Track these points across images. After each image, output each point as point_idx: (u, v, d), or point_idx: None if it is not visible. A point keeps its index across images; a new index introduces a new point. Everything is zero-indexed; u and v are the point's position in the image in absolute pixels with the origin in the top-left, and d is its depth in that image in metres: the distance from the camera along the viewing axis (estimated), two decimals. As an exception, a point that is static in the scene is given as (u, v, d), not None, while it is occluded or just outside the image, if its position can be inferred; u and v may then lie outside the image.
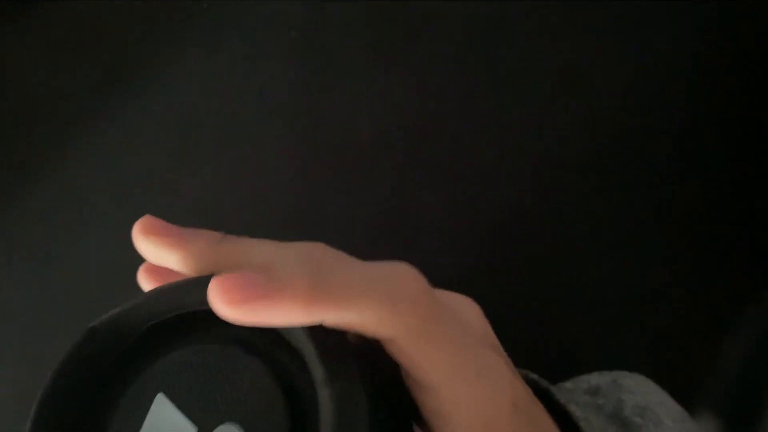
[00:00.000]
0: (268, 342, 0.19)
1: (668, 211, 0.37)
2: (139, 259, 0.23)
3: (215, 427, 0.18)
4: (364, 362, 0.18)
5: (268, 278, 0.17)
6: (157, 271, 0.23)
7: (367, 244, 0.38)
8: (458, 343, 0.18)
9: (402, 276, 0.18)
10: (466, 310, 0.23)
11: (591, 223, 0.38)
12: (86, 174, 0.41)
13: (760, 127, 0.37)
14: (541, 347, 0.33)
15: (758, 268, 0.35)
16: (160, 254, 0.20)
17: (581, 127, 0.39)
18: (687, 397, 0.25)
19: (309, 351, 0.17)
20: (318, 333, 0.17)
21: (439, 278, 0.22)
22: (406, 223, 0.37)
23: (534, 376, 0.25)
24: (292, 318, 0.17)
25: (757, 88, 0.37)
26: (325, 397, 0.17)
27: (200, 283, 0.18)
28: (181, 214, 0.38)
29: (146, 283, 0.22)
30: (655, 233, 0.37)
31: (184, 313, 0.19)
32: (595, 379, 0.28)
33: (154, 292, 0.19)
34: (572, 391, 0.25)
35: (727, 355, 0.25)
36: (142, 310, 0.19)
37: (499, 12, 0.40)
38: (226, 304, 0.16)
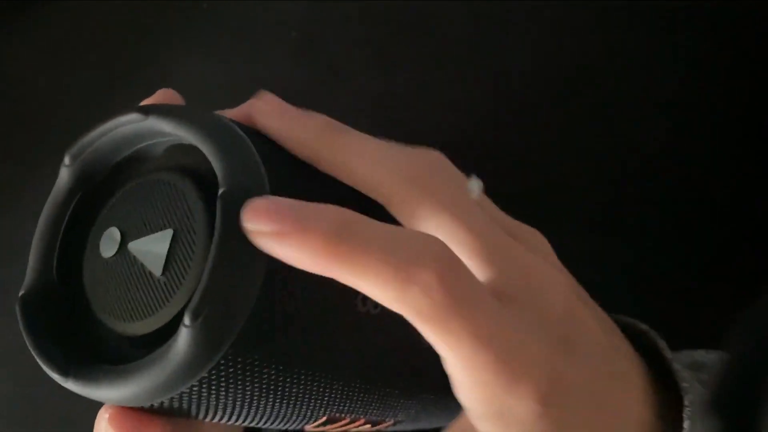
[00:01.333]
0: (204, 167, 0.20)
1: (667, 210, 0.38)
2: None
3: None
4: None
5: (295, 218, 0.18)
6: None
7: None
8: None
9: (422, 253, 0.18)
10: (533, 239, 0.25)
11: (589, 222, 0.38)
12: (86, 174, 0.41)
13: (760, 127, 0.37)
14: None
15: (758, 267, 0.35)
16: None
17: (582, 126, 0.39)
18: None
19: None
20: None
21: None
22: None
23: (643, 327, 0.26)
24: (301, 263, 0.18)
25: (757, 88, 0.37)
26: (218, 206, 0.18)
27: (133, 108, 0.21)
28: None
29: None
30: (654, 233, 0.37)
31: (133, 149, 0.22)
32: (701, 355, 0.28)
33: (101, 124, 0.22)
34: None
35: (726, 355, 0.25)
36: (95, 143, 0.22)
37: (501, 12, 0.40)
38: (246, 221, 0.18)
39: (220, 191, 0.18)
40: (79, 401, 0.40)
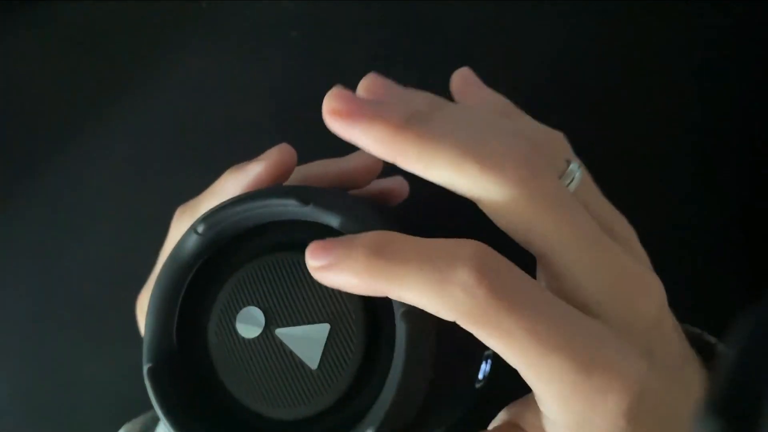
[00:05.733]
0: None
1: (667, 210, 0.37)
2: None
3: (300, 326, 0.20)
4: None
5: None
6: None
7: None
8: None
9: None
10: None
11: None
12: (86, 175, 0.41)
13: (760, 127, 0.37)
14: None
15: (758, 267, 0.35)
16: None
17: (582, 127, 0.39)
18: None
19: None
20: None
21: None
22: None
23: (710, 338, 0.25)
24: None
25: (759, 88, 0.37)
26: (401, 324, 0.19)
27: (291, 193, 0.21)
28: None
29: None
30: (654, 232, 0.37)
31: (274, 221, 0.21)
32: None
33: (248, 200, 0.21)
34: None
35: (726, 355, 0.25)
36: (235, 217, 0.21)
37: (501, 13, 0.40)
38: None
39: (401, 311, 0.19)
40: (78, 400, 0.40)
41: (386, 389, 0.19)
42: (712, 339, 0.26)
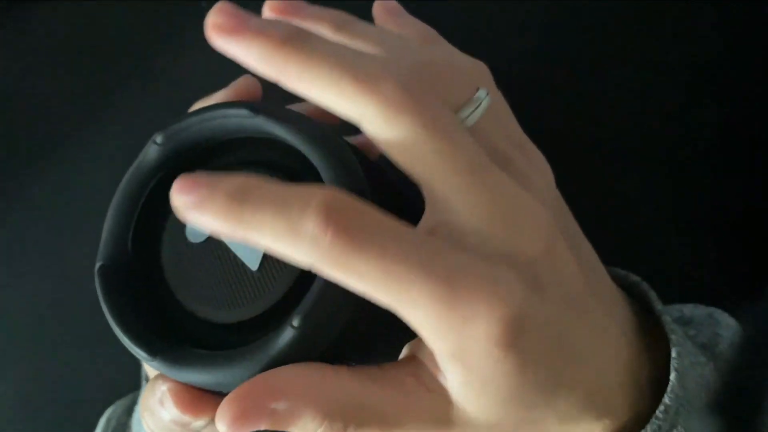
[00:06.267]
0: (299, 167, 0.21)
1: (667, 210, 0.37)
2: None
3: None
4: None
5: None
6: None
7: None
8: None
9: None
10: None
11: (588, 221, 0.38)
12: (86, 175, 0.41)
13: (761, 127, 0.37)
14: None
15: (758, 267, 0.35)
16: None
17: (581, 127, 0.39)
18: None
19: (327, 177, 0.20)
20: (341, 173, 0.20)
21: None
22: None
23: (635, 278, 0.25)
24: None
25: (759, 88, 0.37)
26: None
27: (242, 104, 0.21)
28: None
29: None
30: (654, 232, 0.37)
31: (233, 139, 0.22)
32: (690, 310, 0.28)
33: (202, 112, 0.22)
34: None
35: (726, 354, 0.25)
36: (192, 128, 0.22)
37: (500, 12, 0.40)
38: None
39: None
40: (78, 400, 0.40)
41: (315, 284, 0.19)
42: (637, 278, 0.26)
